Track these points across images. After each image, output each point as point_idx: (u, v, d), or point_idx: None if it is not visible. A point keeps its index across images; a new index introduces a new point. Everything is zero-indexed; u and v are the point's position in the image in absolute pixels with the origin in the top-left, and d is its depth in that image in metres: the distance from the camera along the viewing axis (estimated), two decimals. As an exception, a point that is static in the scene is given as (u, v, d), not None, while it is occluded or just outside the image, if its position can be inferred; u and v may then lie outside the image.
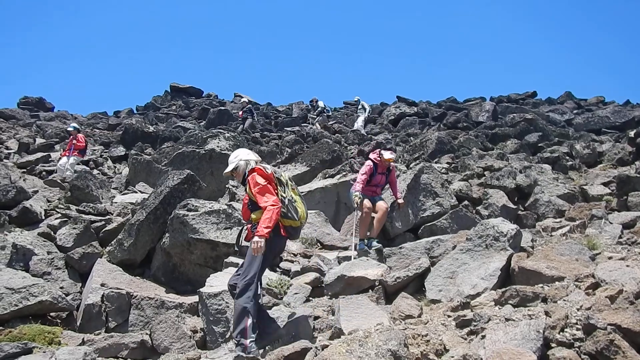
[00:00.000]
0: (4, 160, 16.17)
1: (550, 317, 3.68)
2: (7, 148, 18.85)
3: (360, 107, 22.28)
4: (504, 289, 4.56)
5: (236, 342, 4.57)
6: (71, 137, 15.40)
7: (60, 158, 15.04)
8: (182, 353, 5.49)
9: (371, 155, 8.25)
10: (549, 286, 4.56)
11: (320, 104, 24.00)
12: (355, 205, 7.72)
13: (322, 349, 4.05)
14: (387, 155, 8.05)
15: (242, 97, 28.46)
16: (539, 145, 14.72)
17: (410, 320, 4.71)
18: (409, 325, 4.47)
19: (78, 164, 14.85)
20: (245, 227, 5.13)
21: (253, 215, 4.98)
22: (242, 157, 5.26)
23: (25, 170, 14.70)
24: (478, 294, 4.97)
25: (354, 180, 8.43)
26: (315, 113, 24.26)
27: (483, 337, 3.72)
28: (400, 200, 8.09)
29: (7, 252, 7.38)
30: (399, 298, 5.34)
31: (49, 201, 10.68)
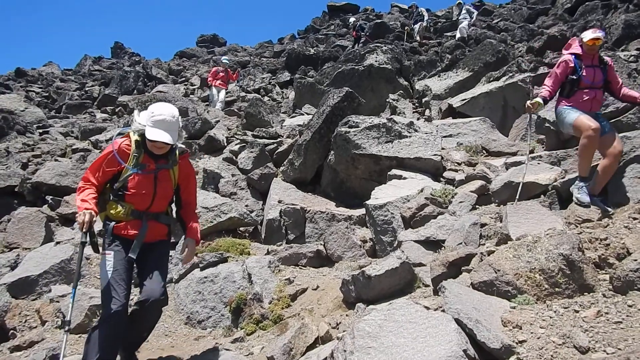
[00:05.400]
0: (190, 96, 18.16)
1: None
2: (191, 84, 21.11)
3: (464, 11, 19.94)
4: None
5: None
6: (220, 69, 16.39)
7: (212, 87, 16.12)
8: (354, 261, 5.86)
9: (565, 51, 5.74)
10: None
11: (423, 11, 21.97)
12: (529, 106, 5.59)
13: (488, 255, 3.96)
14: (588, 35, 5.45)
15: (350, 17, 27.29)
16: None
17: (587, 224, 4.36)
18: (584, 230, 4.15)
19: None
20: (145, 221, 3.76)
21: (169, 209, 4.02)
22: (180, 121, 3.81)
23: (207, 103, 16.32)
24: (672, 195, 4.37)
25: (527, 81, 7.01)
26: (413, 22, 22.36)
27: (675, 241, 3.31)
28: None
29: (200, 177, 8.48)
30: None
31: (228, 129, 11.80)
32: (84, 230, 3.38)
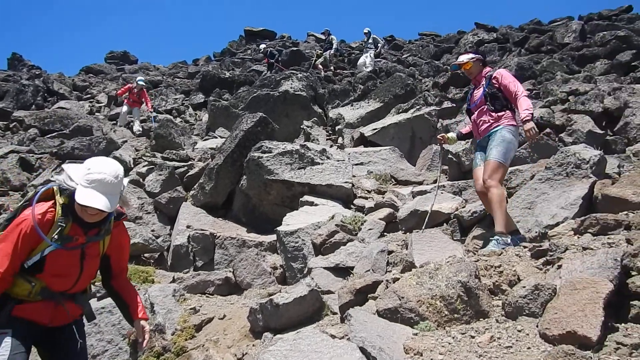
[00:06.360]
0: (96, 114, 17.31)
1: (632, 244, 3.46)
2: (97, 102, 20.13)
3: (370, 40, 19.88)
4: (583, 218, 4.33)
5: None
6: (135, 87, 15.42)
7: (124, 106, 15.14)
8: (263, 288, 5.78)
9: None
10: (634, 213, 4.27)
11: (333, 39, 22.11)
12: (439, 138, 5.62)
13: (393, 282, 4.07)
14: (458, 59, 5.40)
15: (261, 44, 27.55)
16: (633, 64, 13.46)
17: (484, 252, 4.62)
18: (481, 257, 4.40)
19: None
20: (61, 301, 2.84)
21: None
22: (124, 183, 2.86)
23: (115, 122, 15.63)
24: (557, 224, 4.76)
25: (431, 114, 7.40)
26: (323, 49, 22.35)
27: (559, 267, 3.58)
28: (526, 121, 4.74)
29: (102, 200, 8.03)
30: (474, 230, 5.26)
31: (136, 150, 11.37)
32: None
